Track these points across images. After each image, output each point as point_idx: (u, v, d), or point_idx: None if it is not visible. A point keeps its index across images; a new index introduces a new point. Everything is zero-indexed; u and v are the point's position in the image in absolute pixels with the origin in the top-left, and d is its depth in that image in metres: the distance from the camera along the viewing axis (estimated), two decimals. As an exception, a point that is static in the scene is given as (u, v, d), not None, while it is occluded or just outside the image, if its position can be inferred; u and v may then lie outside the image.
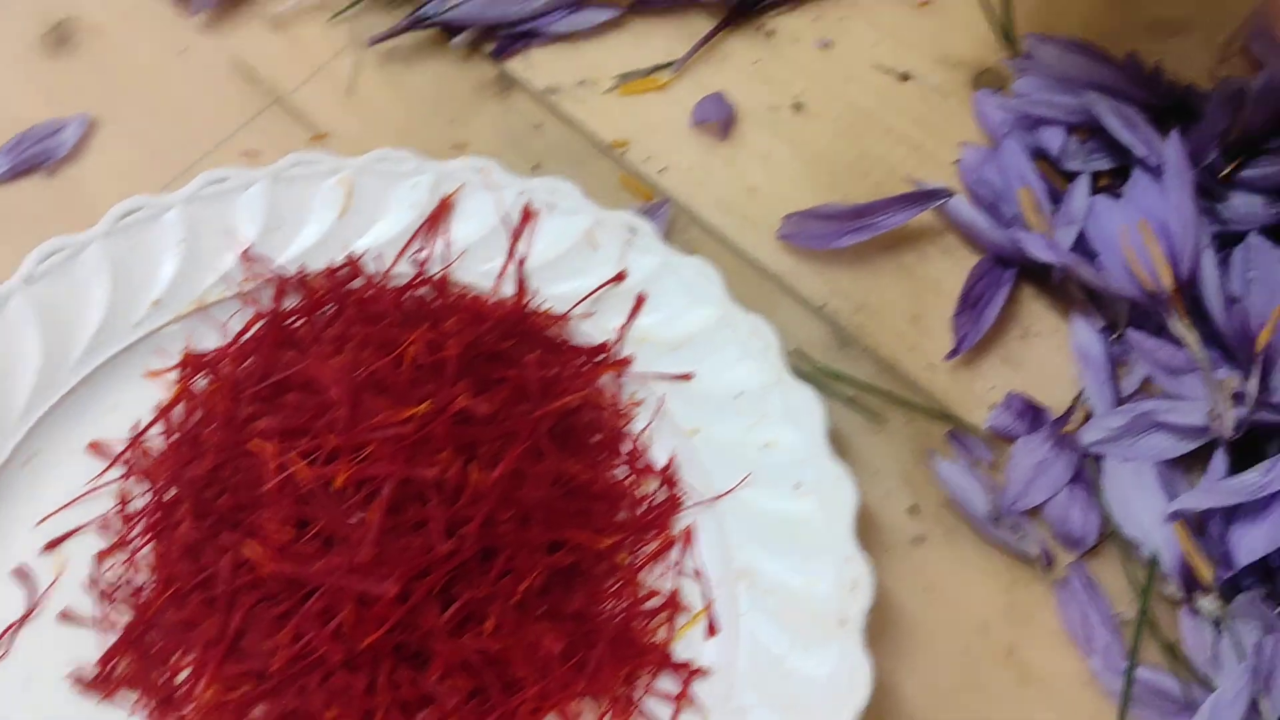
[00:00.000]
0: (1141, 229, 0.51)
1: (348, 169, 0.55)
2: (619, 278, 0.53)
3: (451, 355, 0.50)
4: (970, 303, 0.55)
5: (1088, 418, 0.52)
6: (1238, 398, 0.49)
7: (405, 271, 0.54)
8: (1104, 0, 0.62)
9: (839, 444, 0.52)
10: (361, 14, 0.62)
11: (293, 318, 0.53)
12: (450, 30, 0.61)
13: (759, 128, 0.60)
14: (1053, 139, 0.55)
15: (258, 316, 0.53)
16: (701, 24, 0.62)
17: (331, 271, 0.54)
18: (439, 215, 0.55)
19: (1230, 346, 0.50)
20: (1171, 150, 0.51)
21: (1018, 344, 0.55)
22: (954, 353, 0.54)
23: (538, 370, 0.51)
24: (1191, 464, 0.51)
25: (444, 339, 0.51)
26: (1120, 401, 0.52)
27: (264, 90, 0.61)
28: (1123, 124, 0.53)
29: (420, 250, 0.54)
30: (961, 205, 0.56)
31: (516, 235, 0.54)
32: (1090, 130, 0.56)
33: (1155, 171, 0.53)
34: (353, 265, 0.54)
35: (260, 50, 0.62)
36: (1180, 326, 0.50)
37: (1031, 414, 0.52)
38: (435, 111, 0.60)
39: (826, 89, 0.60)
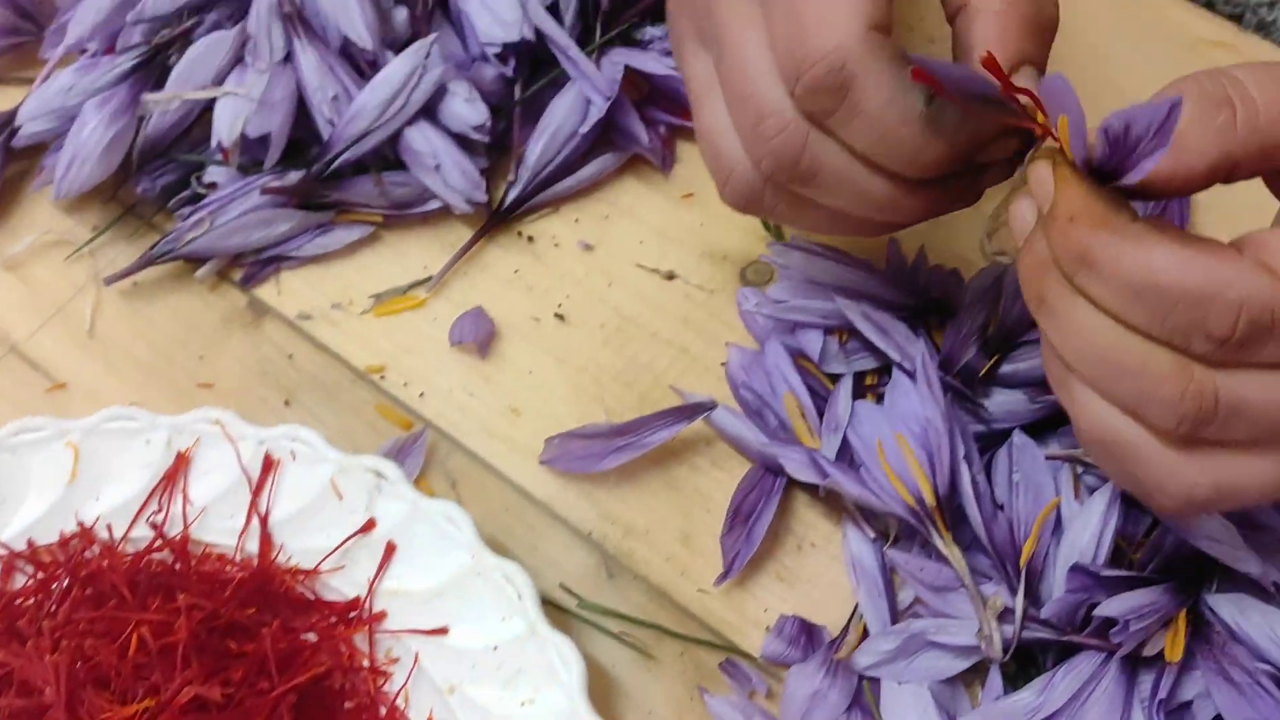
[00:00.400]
0: (900, 442, 0.50)
1: (75, 431, 0.52)
2: (367, 527, 0.51)
3: (181, 637, 0.47)
4: (740, 519, 0.53)
5: (865, 634, 0.50)
6: (1006, 614, 0.48)
7: (142, 535, 0.51)
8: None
9: (607, 687, 0.49)
10: (101, 249, 0.59)
11: (21, 599, 0.50)
12: (194, 262, 0.58)
13: (521, 342, 0.58)
14: (812, 342, 0.54)
15: (-21, 601, 0.49)
16: (459, 233, 0.60)
17: (63, 543, 0.51)
18: (175, 473, 0.52)
19: (998, 557, 0.49)
20: (920, 361, 0.50)
21: (792, 558, 0.53)
22: (724, 576, 0.52)
23: (278, 641, 0.48)
24: (973, 677, 0.49)
25: (175, 617, 0.48)
26: (897, 615, 0.50)
27: (-1, 337, 0.58)
28: (874, 329, 0.52)
29: (157, 512, 0.51)
30: (725, 416, 0.54)
31: (257, 489, 0.51)
32: (850, 331, 0.54)
33: (913, 375, 0.52)
34: (85, 534, 0.51)
35: (-8, 295, 0.59)
36: (942, 543, 0.48)
37: (806, 636, 0.50)
38: (182, 348, 0.57)
39: (590, 294, 0.59)
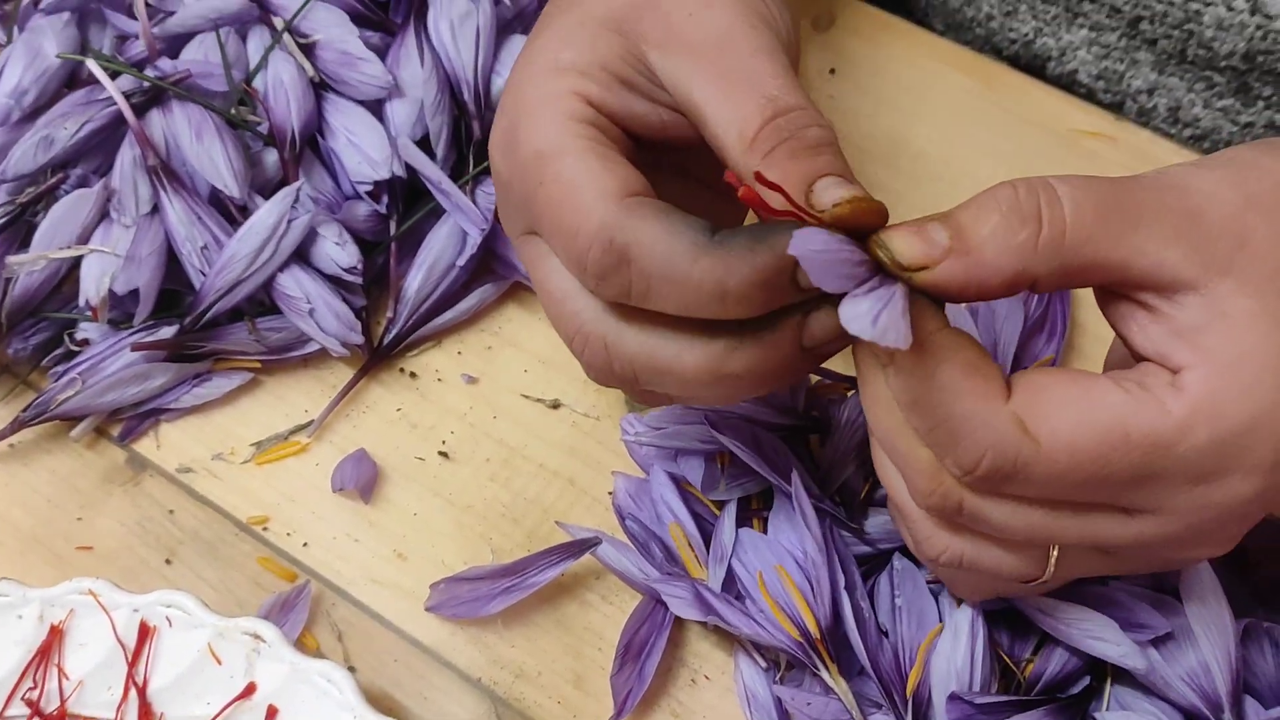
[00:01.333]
0: (780, 573, 0.49)
1: (-58, 610, 0.51)
2: (247, 692, 0.50)
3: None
4: (631, 656, 0.52)
5: (762, 769, 0.50)
6: (895, 746, 0.47)
7: (18, 714, 0.50)
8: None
9: (500, 843, 0.48)
10: (-26, 412, 0.58)
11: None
12: (70, 420, 0.57)
13: (406, 482, 0.57)
14: (694, 470, 0.53)
15: None
16: (341, 373, 0.59)
17: (-65, 729, 0.50)
18: (49, 647, 0.51)
19: (884, 686, 0.48)
20: (795, 489, 0.49)
21: (686, 693, 0.52)
22: (618, 716, 0.51)
23: (156, 822, 0.47)
24: (873, 809, 0.49)
25: (47, 804, 0.46)
26: (793, 746, 0.50)
27: (-127, 509, 0.57)
28: (749, 454, 0.51)
29: (33, 688, 0.50)
30: (610, 552, 0.53)
31: (134, 659, 0.50)
32: (733, 455, 0.54)
33: (791, 496, 0.51)
34: (-42, 716, 0.50)
35: None
36: (829, 676, 0.48)
37: (701, 777, 0.50)
38: (60, 511, 0.56)
39: (475, 429, 0.58)
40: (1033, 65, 0.70)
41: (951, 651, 0.47)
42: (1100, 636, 0.46)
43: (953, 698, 0.46)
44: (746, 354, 0.41)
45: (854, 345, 0.41)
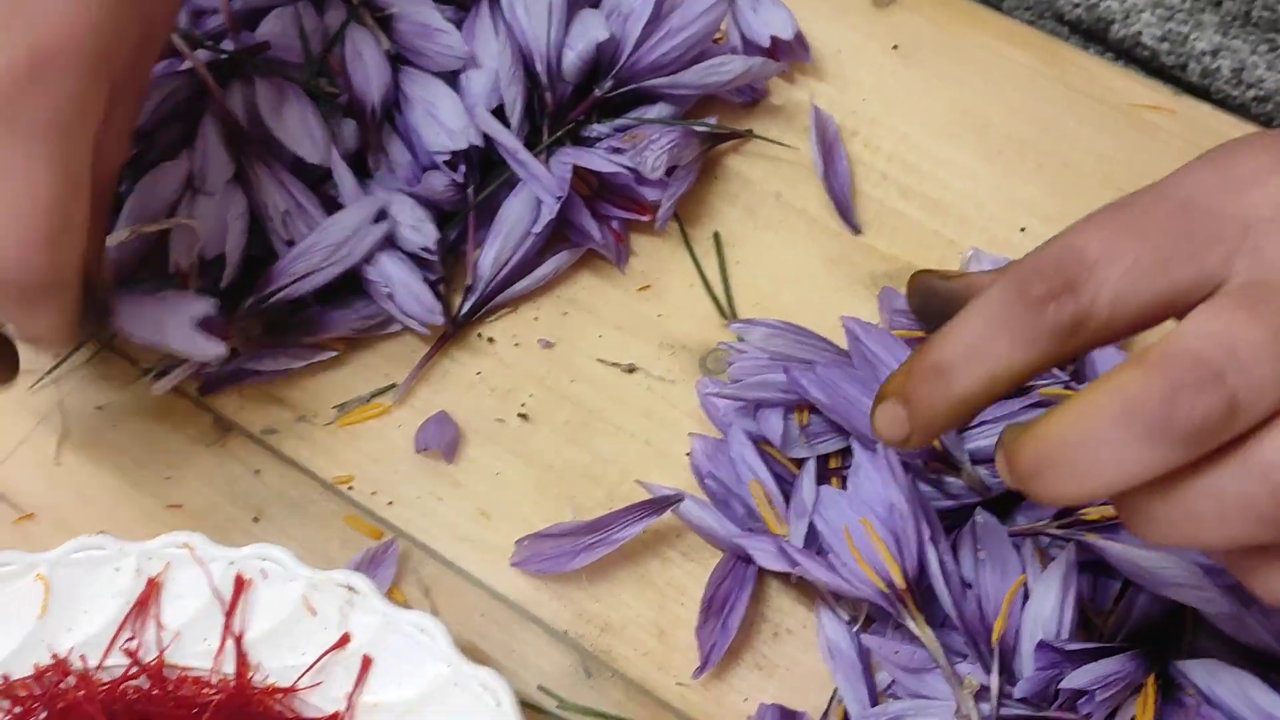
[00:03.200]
0: (866, 527, 0.50)
1: (43, 564, 0.52)
2: (342, 642, 0.51)
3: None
4: (714, 611, 0.53)
5: (845, 718, 0.50)
6: (982, 693, 0.48)
7: (117, 664, 0.51)
8: (824, 261, 0.62)
9: (591, 790, 0.49)
10: (64, 376, 0.59)
11: (-3, 736, 0.50)
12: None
13: (487, 444, 0.58)
14: (773, 427, 0.54)
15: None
16: (421, 338, 0.60)
17: (38, 676, 0.51)
18: (147, 599, 0.52)
19: (970, 635, 0.49)
20: (882, 444, 0.50)
21: (769, 645, 0.53)
22: (702, 669, 0.52)
23: (259, 767, 0.48)
24: (955, 756, 0.49)
25: (152, 748, 0.48)
26: (876, 697, 0.51)
27: (-36, 470, 0.58)
28: (832, 406, 0.52)
29: (131, 639, 0.51)
30: (693, 509, 0.54)
31: (230, 610, 0.51)
32: (812, 411, 0.55)
33: (875, 448, 0.52)
34: (60, 665, 0.51)
35: (-44, 429, 0.59)
36: (915, 625, 0.49)
37: (787, 725, 0.51)
38: (149, 471, 0.57)
39: (552, 392, 0.59)
40: (1095, 28, 0.71)
41: (1041, 601, 0.48)
42: (1183, 581, 0.47)
43: (1041, 645, 0.47)
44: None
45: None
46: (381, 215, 0.59)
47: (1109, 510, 0.50)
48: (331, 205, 0.60)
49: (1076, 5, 0.70)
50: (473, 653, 0.53)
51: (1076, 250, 0.39)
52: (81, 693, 0.50)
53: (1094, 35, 0.70)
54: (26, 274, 0.47)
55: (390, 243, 0.59)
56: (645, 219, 0.63)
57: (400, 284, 0.58)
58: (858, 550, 0.50)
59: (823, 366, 0.52)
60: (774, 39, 0.66)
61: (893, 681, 0.51)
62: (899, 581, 0.49)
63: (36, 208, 0.46)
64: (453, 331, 0.60)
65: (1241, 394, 0.36)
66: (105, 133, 0.50)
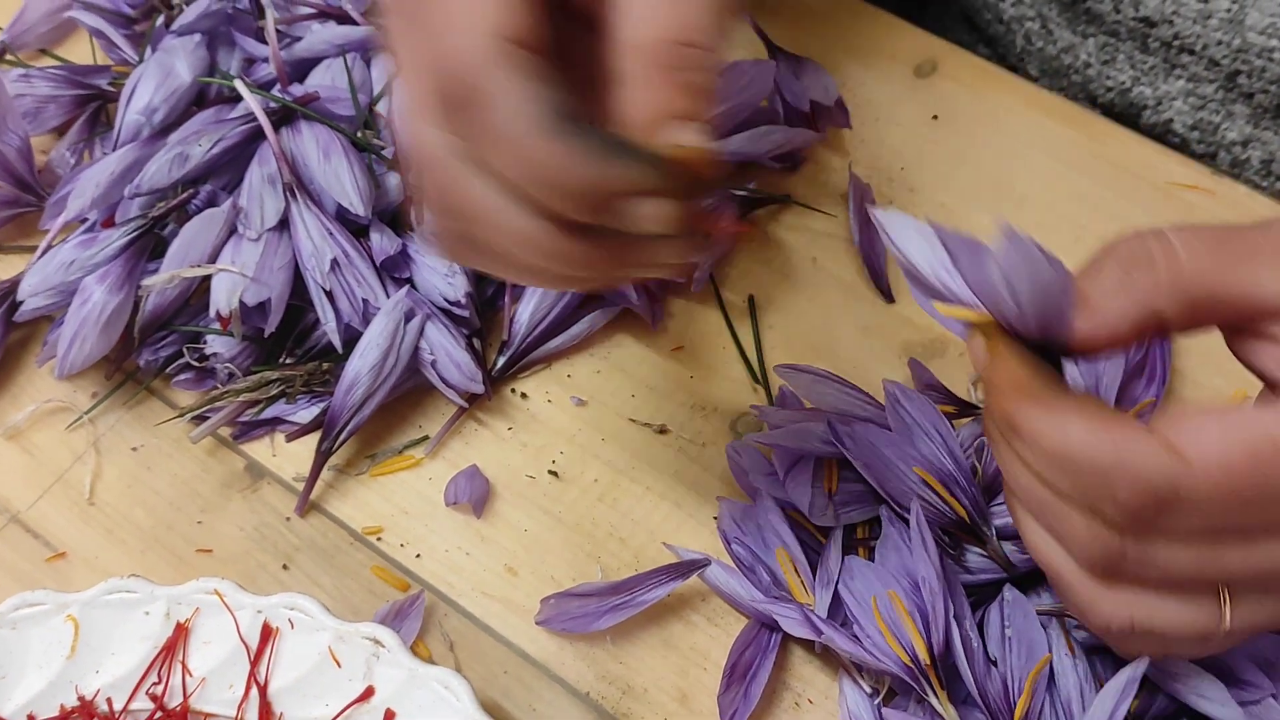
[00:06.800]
0: (893, 599, 0.50)
1: (74, 604, 0.52)
2: (366, 695, 0.51)
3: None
4: (737, 677, 0.53)
5: (866, 791, 0.50)
6: (1003, 773, 0.48)
7: (143, 708, 0.51)
8: (857, 329, 0.62)
9: None
10: (101, 415, 0.60)
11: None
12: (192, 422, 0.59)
13: (516, 499, 0.58)
14: (802, 495, 0.54)
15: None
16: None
17: (64, 717, 0.51)
18: (174, 644, 0.52)
19: (991, 714, 0.49)
20: (916, 517, 0.50)
21: (789, 715, 0.53)
22: (723, 735, 0.52)
23: (279, 816, 0.48)
24: (974, 834, 0.49)
25: (175, 793, 0.48)
26: (897, 771, 0.51)
27: None
28: (867, 461, 0.52)
29: (157, 683, 0.52)
30: (719, 574, 0.54)
31: (256, 658, 0.52)
32: (840, 480, 0.55)
33: (905, 524, 0.52)
34: (85, 708, 0.51)
35: (-7, 465, 0.60)
36: (938, 702, 0.49)
37: (806, 797, 0.51)
38: (181, 514, 0.58)
39: (583, 450, 0.60)
40: (1128, 113, 0.71)
41: (1065, 681, 0.48)
42: (1206, 695, 0.47)
43: (1064, 726, 0.47)
44: (587, 243, 0.40)
45: (987, 434, 0.44)
46: (411, 314, 0.59)
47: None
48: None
49: (1109, 90, 0.71)
50: (495, 710, 0.53)
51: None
52: (106, 735, 0.51)
53: (1125, 120, 0.70)
54: None
55: (431, 304, 0.60)
56: (680, 281, 0.63)
57: (442, 351, 0.59)
58: (884, 622, 0.50)
59: (861, 427, 0.53)
60: (815, 104, 0.67)
61: (913, 756, 0.51)
62: (924, 656, 0.49)
63: None
64: (488, 389, 0.60)
65: None
66: None
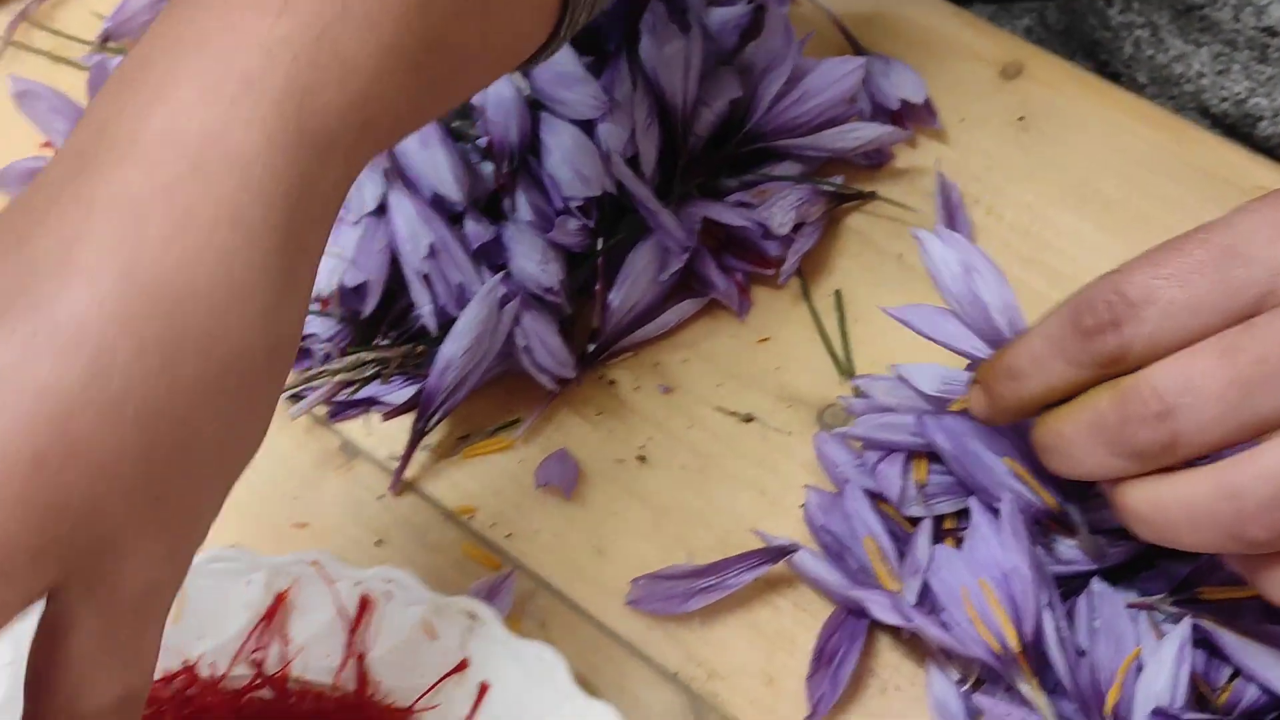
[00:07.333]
0: (984, 588, 0.51)
1: (179, 572, 0.54)
2: (461, 667, 0.52)
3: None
4: (824, 661, 0.54)
5: (951, 778, 0.51)
6: (1092, 761, 0.48)
7: (243, 673, 0.52)
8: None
9: (697, 830, 0.50)
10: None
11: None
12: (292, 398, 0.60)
13: (605, 484, 0.59)
14: (891, 485, 0.55)
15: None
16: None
17: (167, 680, 0.52)
18: (274, 613, 0.53)
19: (1083, 703, 0.49)
20: (1008, 506, 0.51)
21: (876, 700, 0.54)
22: (811, 718, 0.53)
23: (379, 783, 0.49)
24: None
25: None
26: (983, 759, 0.51)
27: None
28: (957, 453, 0.53)
29: (257, 650, 0.53)
30: (808, 559, 0.55)
31: (354, 628, 0.53)
32: (930, 469, 0.55)
33: (996, 515, 0.53)
34: (189, 672, 0.52)
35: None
36: (1029, 689, 0.49)
37: (893, 780, 0.51)
38: (278, 489, 0.59)
39: (670, 436, 0.60)
40: (1242, 124, 0.71)
41: (1156, 671, 0.48)
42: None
43: (1156, 713, 0.48)
44: None
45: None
46: (506, 299, 0.60)
47: (1230, 592, 0.50)
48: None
49: (1224, 100, 0.71)
50: (585, 687, 0.54)
51: (1121, 291, 0.44)
52: (208, 699, 0.52)
53: (1238, 131, 0.70)
54: None
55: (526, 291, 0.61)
56: (768, 273, 0.64)
57: (536, 336, 0.60)
58: (974, 610, 0.51)
59: (952, 418, 0.53)
60: (903, 102, 0.67)
61: (1000, 745, 0.51)
62: (1014, 645, 0.50)
63: None
64: (576, 375, 0.61)
65: (1183, 432, 0.43)
66: (54, 646, 0.37)
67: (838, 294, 0.64)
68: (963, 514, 0.55)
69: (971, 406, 0.51)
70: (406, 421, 0.61)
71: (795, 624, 0.56)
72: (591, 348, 0.62)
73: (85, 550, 0.35)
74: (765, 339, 0.63)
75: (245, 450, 0.40)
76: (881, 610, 0.52)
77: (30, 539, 0.34)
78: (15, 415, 0.34)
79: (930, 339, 0.54)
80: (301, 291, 0.41)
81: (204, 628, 0.53)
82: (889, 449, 0.55)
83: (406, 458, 0.59)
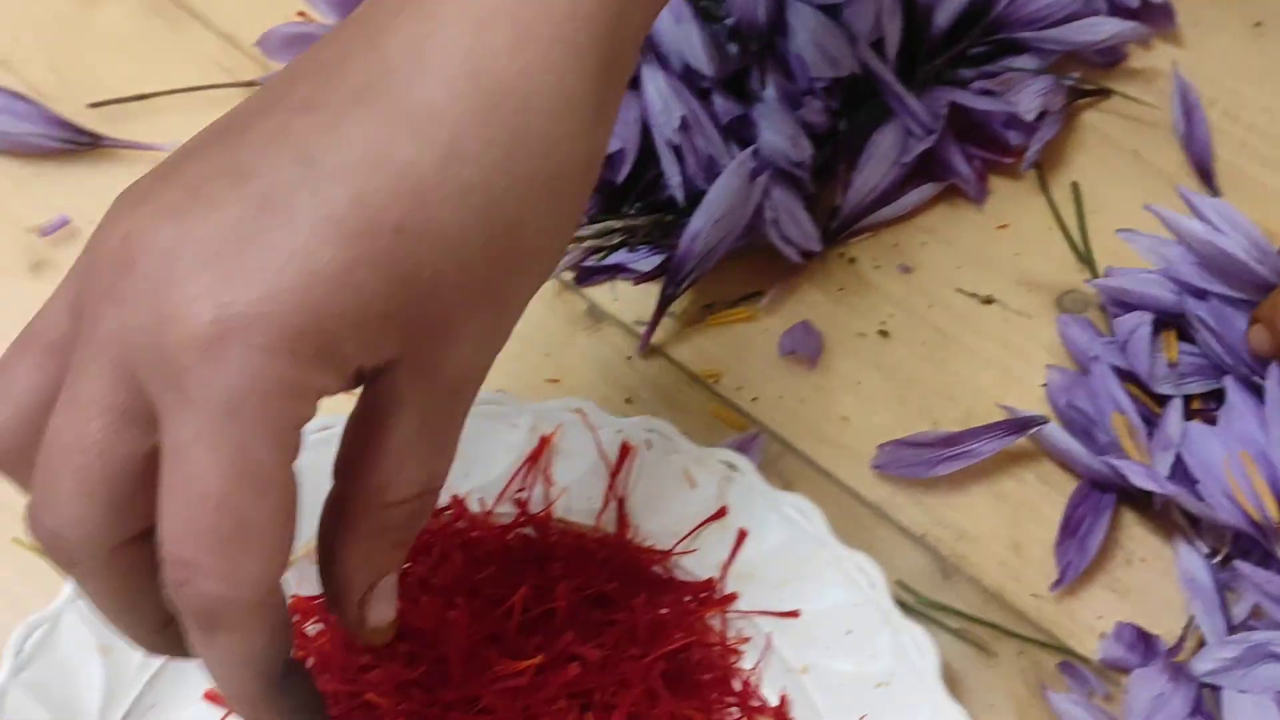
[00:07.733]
0: (1244, 459, 0.51)
1: (449, 412, 0.56)
2: (719, 514, 0.54)
3: (560, 604, 0.50)
4: (1072, 531, 0.55)
5: (1200, 644, 0.52)
6: (1356, 628, 0.49)
7: (508, 511, 0.55)
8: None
9: (950, 679, 0.51)
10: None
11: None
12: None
13: (847, 355, 0.61)
14: (1142, 362, 0.56)
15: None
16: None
17: (437, 513, 0.55)
18: (538, 455, 0.55)
19: (1344, 574, 0.50)
20: (1273, 384, 0.51)
21: (1122, 570, 0.55)
22: (1059, 583, 0.54)
23: (646, 612, 0.51)
24: (1314, 692, 0.50)
25: (552, 584, 0.51)
26: (1232, 629, 0.52)
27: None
28: (1219, 343, 0.54)
29: (521, 490, 0.55)
30: (1056, 432, 0.56)
31: (615, 473, 0.55)
32: (1182, 344, 0.56)
33: (1252, 389, 0.53)
34: (458, 507, 0.55)
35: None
36: (1290, 557, 0.50)
37: (1143, 644, 0.52)
38: (531, 346, 0.61)
39: (911, 314, 0.61)
40: None
41: None
42: None
43: None
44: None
45: None
46: (757, 171, 0.61)
47: None
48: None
49: None
50: (835, 542, 0.56)
51: None
52: (475, 533, 0.54)
53: None
54: (192, 579, 0.35)
55: (774, 167, 0.62)
56: (1006, 161, 0.65)
57: (785, 210, 0.61)
58: (1235, 480, 0.51)
59: (1218, 301, 0.54)
60: (1143, 2, 0.67)
61: (1249, 616, 0.52)
62: (1275, 515, 0.50)
63: (194, 497, 0.34)
64: (820, 249, 0.62)
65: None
66: (373, 433, 0.39)
67: (1075, 186, 0.65)
68: (1209, 396, 0.56)
69: (1253, 344, 0.53)
70: (651, 289, 0.62)
71: (1039, 496, 0.56)
72: (835, 224, 0.63)
73: (422, 327, 0.37)
74: (1003, 226, 0.64)
75: (555, 255, 0.42)
76: (1138, 478, 0.53)
77: (382, 304, 0.36)
78: (381, 186, 0.36)
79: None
80: (610, 119, 0.42)
81: (469, 467, 0.55)
82: (1139, 323, 0.56)
83: (655, 321, 0.61)
